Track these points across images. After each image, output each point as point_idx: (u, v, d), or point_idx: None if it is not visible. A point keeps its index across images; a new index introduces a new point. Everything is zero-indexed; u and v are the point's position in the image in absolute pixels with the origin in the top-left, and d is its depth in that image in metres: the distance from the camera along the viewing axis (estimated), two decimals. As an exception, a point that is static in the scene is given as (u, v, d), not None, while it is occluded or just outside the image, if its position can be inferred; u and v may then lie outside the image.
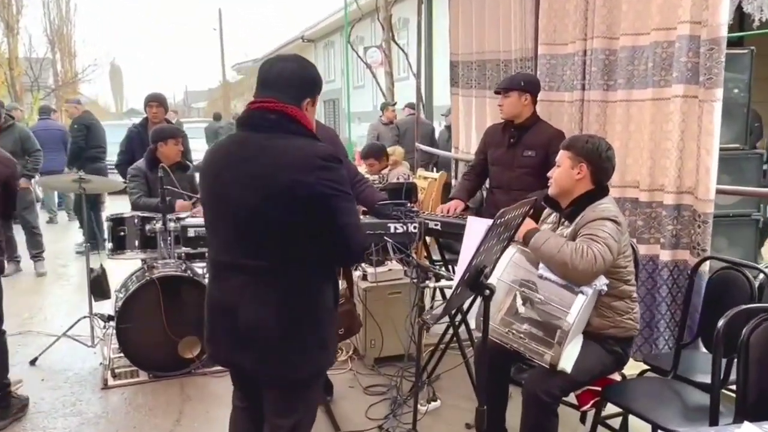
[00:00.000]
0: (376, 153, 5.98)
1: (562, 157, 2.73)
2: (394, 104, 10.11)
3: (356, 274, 4.17)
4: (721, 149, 3.03)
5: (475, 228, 1.95)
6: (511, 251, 2.62)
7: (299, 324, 1.94)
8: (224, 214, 1.97)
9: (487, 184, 4.04)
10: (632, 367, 2.97)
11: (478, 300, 2.03)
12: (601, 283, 2.52)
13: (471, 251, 1.86)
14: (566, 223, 2.72)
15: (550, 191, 2.76)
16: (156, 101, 5.55)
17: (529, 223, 2.68)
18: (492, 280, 2.50)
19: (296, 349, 1.94)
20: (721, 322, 2.06)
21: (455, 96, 5.53)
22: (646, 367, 2.98)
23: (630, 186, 3.43)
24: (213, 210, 2.02)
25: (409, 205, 3.31)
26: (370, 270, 4.07)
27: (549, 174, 2.77)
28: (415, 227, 3.15)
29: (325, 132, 3.49)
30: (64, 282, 6.42)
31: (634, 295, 2.75)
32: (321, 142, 1.99)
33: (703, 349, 2.97)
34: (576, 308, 2.44)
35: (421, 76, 6.68)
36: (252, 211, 1.90)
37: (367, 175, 5.32)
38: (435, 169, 7.84)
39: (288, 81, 1.99)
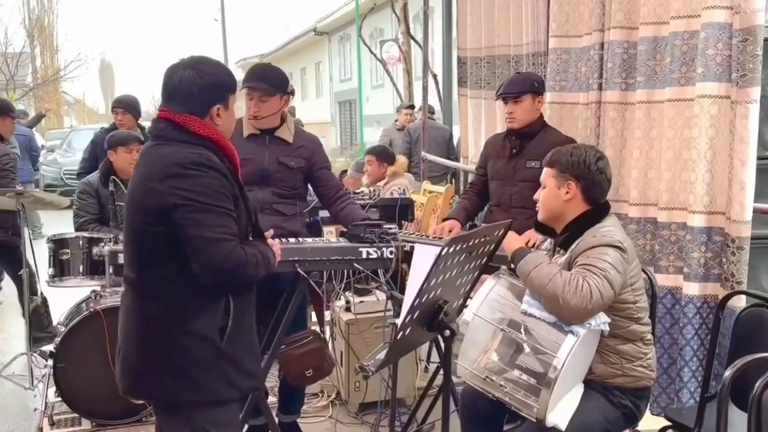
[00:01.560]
0: (378, 152, 5.98)
1: (546, 176, 2.67)
2: (411, 106, 10.08)
3: (339, 303, 4.13)
4: (759, 159, 2.91)
5: (423, 258, 1.89)
6: (491, 282, 2.55)
7: (155, 348, 2.09)
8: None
9: None
10: (649, 423, 2.86)
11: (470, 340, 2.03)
12: (600, 322, 2.44)
13: (417, 286, 1.79)
14: (562, 251, 2.64)
15: (539, 216, 2.71)
16: (122, 106, 5.59)
17: (519, 240, 2.62)
18: (466, 316, 2.44)
19: (152, 376, 2.10)
20: (727, 373, 1.97)
21: (463, 98, 5.51)
22: (667, 423, 2.87)
23: (651, 204, 3.33)
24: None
25: (386, 225, 3.29)
26: (355, 299, 4.03)
27: (535, 196, 2.72)
28: (392, 252, 3.10)
29: (306, 137, 3.56)
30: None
31: (648, 336, 2.66)
32: (199, 149, 2.09)
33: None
34: (565, 351, 2.35)
35: (425, 75, 6.63)
36: (126, 222, 2.15)
37: (364, 189, 5.30)
38: (454, 183, 7.78)
39: (186, 91, 2.13)
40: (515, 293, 2.55)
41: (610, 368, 2.60)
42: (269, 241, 2.34)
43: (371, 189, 4.85)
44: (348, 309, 4.05)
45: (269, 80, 3.38)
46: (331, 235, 4.26)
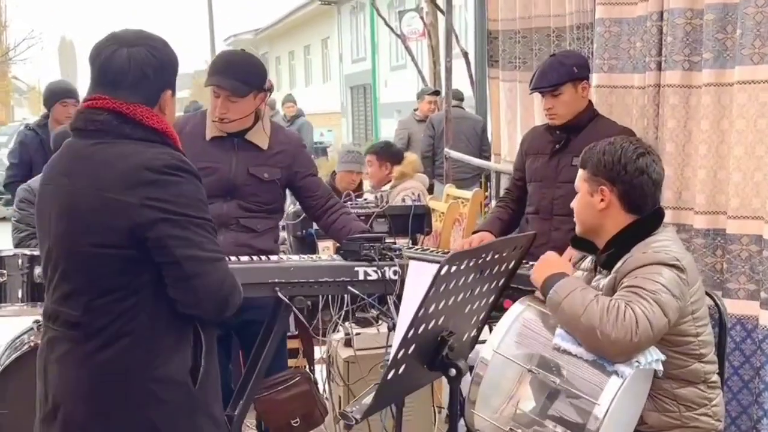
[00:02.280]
0: (379, 150, 6.00)
1: (579, 180, 2.70)
2: (436, 92, 10.12)
3: (336, 336, 4.14)
4: None
5: (419, 278, 1.91)
6: (516, 310, 2.55)
7: (114, 404, 2.06)
8: (44, 246, 2.16)
9: None
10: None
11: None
12: (651, 359, 2.43)
13: (409, 313, 1.81)
14: (605, 271, 2.65)
15: (577, 230, 2.73)
16: (76, 97, 5.63)
17: (552, 263, 2.63)
18: (484, 353, 2.44)
19: None
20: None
21: (494, 81, 5.52)
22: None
23: (722, 212, 3.32)
24: (40, 241, 2.20)
25: (391, 240, 3.31)
26: (356, 329, 4.04)
27: (572, 204, 2.74)
28: (395, 272, 3.13)
29: (286, 139, 3.54)
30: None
31: (713, 378, 2.65)
32: (167, 148, 2.11)
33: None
34: (608, 396, 2.34)
35: (448, 52, 6.65)
36: (63, 242, 2.09)
37: (368, 195, 5.32)
38: (488, 187, 7.79)
39: (138, 74, 2.11)
40: (547, 324, 2.55)
41: (665, 417, 2.59)
42: None
43: (378, 195, 4.87)
44: (348, 344, 4.06)
45: (240, 76, 3.36)
46: (328, 252, 4.29)
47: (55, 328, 2.15)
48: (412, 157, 6.25)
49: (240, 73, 3.36)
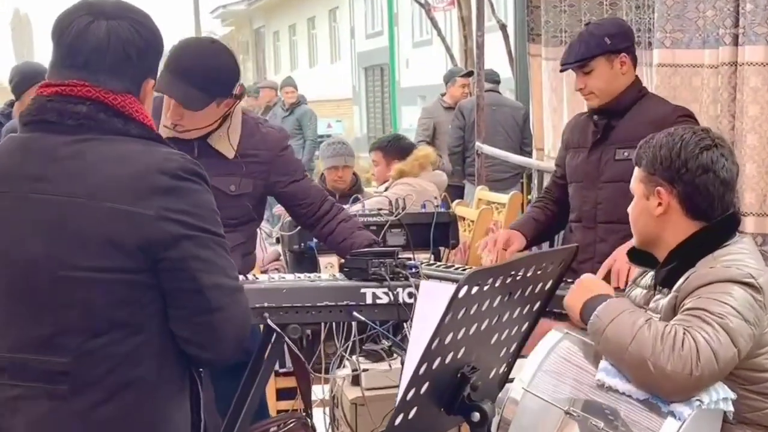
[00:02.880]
0: (386, 146, 5.99)
1: (634, 179, 2.71)
2: (469, 74, 10.13)
3: (341, 373, 4.16)
4: None
5: (432, 301, 1.93)
6: (553, 339, 2.57)
7: None
8: None
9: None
10: None
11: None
12: (718, 398, 2.43)
13: (421, 343, 1.83)
14: (665, 290, 2.65)
15: (635, 240, 2.75)
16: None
17: (591, 286, 2.64)
18: (514, 392, 2.46)
19: None
20: None
21: (536, 59, 5.59)
22: None
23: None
24: None
25: (405, 256, 3.35)
26: (365, 364, 4.06)
27: (628, 209, 2.75)
28: (411, 294, 3.14)
29: (262, 143, 3.52)
30: None
31: (799, 423, 2.64)
32: (167, 147, 2.06)
33: None
34: (664, 444, 2.36)
35: (480, 25, 6.68)
36: (39, 268, 1.96)
37: (380, 196, 5.32)
38: (531, 188, 7.78)
39: (121, 55, 2.03)
40: (590, 355, 2.56)
41: (739, 470, 2.59)
42: None
43: (394, 200, 4.88)
44: (355, 382, 4.08)
45: (198, 82, 3.20)
46: (332, 270, 4.31)
47: (20, 383, 1.98)
48: (422, 152, 6.09)
49: (198, 78, 3.21)
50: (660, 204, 2.63)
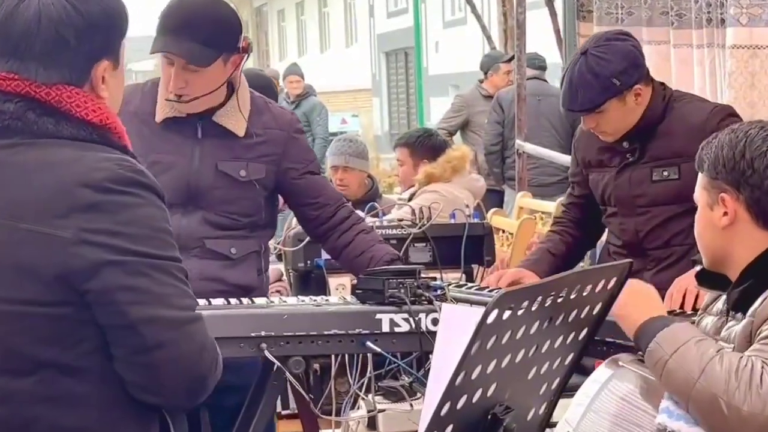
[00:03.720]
0: (414, 142, 5.97)
1: (697, 187, 2.70)
2: (512, 59, 10.15)
3: (356, 414, 4.16)
4: None
5: (456, 328, 1.93)
6: (604, 375, 2.57)
7: None
8: None
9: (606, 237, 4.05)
10: None
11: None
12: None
13: (443, 379, 1.83)
14: (738, 315, 2.64)
15: (703, 260, 2.74)
16: None
17: (644, 294, 2.64)
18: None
19: None
20: None
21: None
22: None
23: None
24: None
25: (429, 275, 3.35)
26: (382, 405, 4.06)
27: (695, 220, 2.75)
28: (435, 321, 3.14)
29: (273, 122, 3.61)
30: None
31: None
32: (113, 151, 2.02)
33: None
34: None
35: (519, 3, 6.68)
36: None
37: (403, 205, 5.32)
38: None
39: (55, 39, 2.00)
40: (649, 392, 2.56)
41: None
42: None
43: (419, 208, 4.88)
44: (371, 425, 4.08)
45: (200, 35, 3.35)
46: (343, 292, 4.31)
47: None
48: (456, 152, 6.06)
49: (200, 32, 3.35)
50: (726, 213, 2.60)
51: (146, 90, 3.62)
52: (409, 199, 5.58)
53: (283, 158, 3.57)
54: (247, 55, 3.51)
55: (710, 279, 2.80)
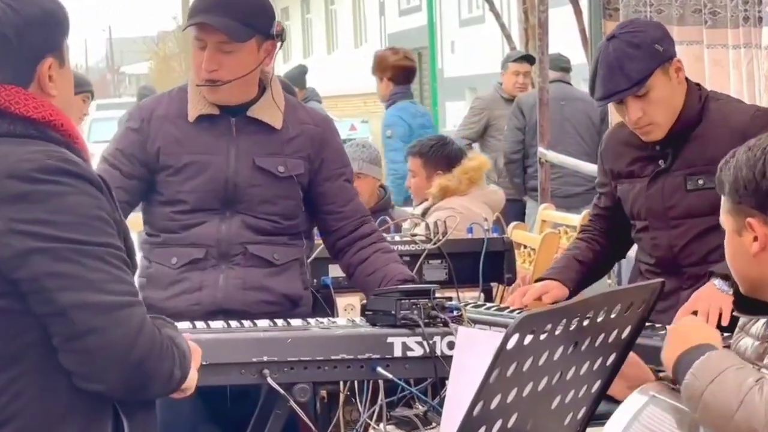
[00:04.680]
0: (429, 152, 5.94)
1: (722, 212, 2.68)
2: (526, 58, 10.16)
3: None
4: None
5: (474, 354, 1.92)
6: (637, 403, 2.55)
7: None
8: None
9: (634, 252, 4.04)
10: None
11: None
12: None
13: (460, 408, 1.83)
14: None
15: (740, 287, 2.72)
16: None
17: (692, 331, 2.64)
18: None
19: None
20: None
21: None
22: None
23: None
24: None
25: (445, 295, 3.37)
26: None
27: (725, 246, 2.74)
28: (451, 344, 3.14)
29: (307, 117, 3.75)
30: None
31: None
32: (42, 144, 2.12)
33: None
34: None
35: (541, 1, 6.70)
36: None
37: (416, 219, 5.32)
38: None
39: None
40: (686, 426, 2.55)
41: None
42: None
43: (434, 223, 4.88)
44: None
45: (236, 14, 3.50)
46: (353, 312, 4.31)
47: None
48: (473, 162, 6.01)
49: (235, 10, 3.49)
50: (756, 239, 2.59)
51: (173, 94, 3.75)
52: (423, 214, 5.55)
53: (318, 155, 3.65)
54: (280, 44, 3.66)
55: (748, 305, 2.79)
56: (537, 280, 3.91)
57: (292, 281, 3.62)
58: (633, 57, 3.59)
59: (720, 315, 3.27)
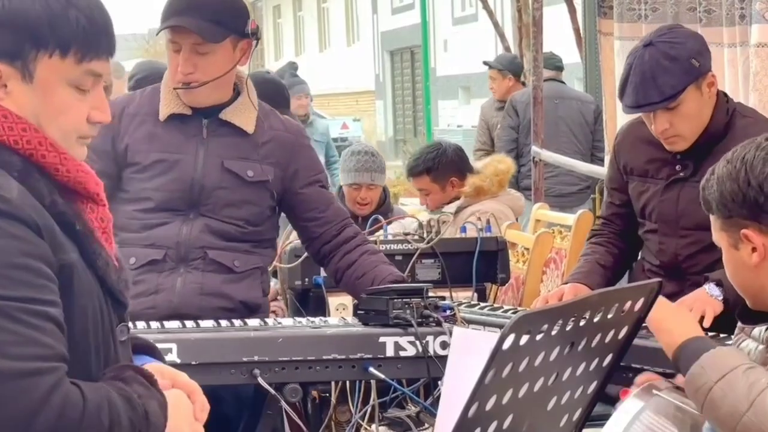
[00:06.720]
0: (435, 166, 5.91)
1: (714, 230, 2.68)
2: (498, 66, 10.19)
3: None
4: None
5: (470, 355, 1.91)
6: (635, 406, 2.55)
7: None
8: None
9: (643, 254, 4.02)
10: None
11: None
12: None
13: (454, 409, 1.82)
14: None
15: (747, 301, 2.73)
16: None
17: (690, 321, 2.65)
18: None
19: None
20: None
21: (607, 38, 5.58)
22: None
23: None
24: None
25: (438, 294, 3.39)
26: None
27: (725, 263, 2.74)
28: (444, 344, 3.14)
29: (280, 124, 3.72)
30: None
31: None
32: None
33: None
34: None
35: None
36: None
37: (410, 217, 5.31)
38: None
39: None
40: (688, 426, 2.56)
41: None
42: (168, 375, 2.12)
43: (428, 220, 4.87)
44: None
45: (209, 14, 3.50)
46: (344, 313, 4.30)
47: None
48: (502, 164, 6.05)
49: (208, 11, 3.50)
50: (754, 249, 2.58)
51: (145, 93, 3.75)
52: (456, 212, 5.59)
53: (290, 163, 3.64)
54: (255, 43, 3.63)
55: (753, 317, 2.78)
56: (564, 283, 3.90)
57: (252, 289, 3.60)
58: (668, 70, 3.57)
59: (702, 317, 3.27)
